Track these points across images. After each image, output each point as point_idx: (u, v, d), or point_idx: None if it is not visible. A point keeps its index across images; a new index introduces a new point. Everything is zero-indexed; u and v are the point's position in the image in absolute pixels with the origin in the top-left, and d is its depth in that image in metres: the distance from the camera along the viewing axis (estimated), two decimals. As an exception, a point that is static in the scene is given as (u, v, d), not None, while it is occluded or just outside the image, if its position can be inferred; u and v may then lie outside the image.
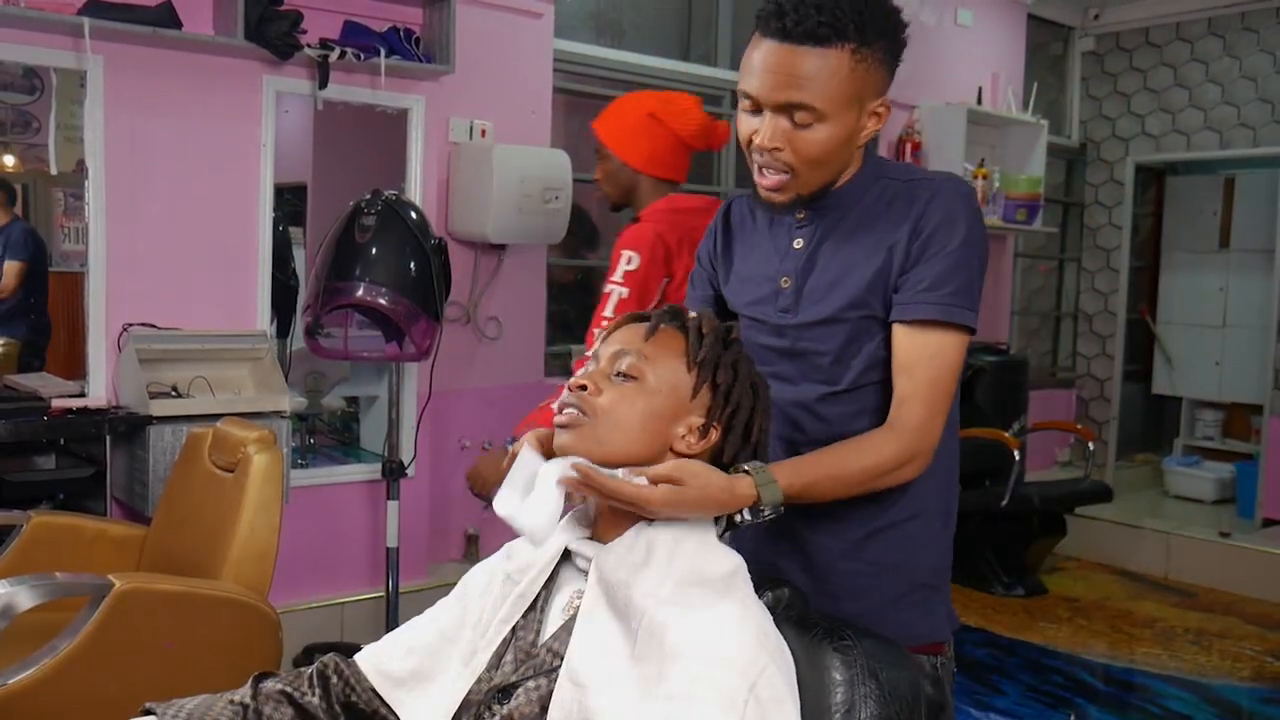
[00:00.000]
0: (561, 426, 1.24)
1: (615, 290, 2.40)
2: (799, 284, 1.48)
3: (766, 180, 1.43)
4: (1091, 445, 5.12)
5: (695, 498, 1.21)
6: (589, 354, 1.28)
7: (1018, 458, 4.41)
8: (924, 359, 1.39)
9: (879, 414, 1.44)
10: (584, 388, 1.24)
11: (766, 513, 1.28)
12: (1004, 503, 4.39)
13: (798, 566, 1.52)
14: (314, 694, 1.32)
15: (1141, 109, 6.01)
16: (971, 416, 4.89)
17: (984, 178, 5.12)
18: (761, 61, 1.37)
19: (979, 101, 5.30)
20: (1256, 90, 5.55)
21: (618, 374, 1.24)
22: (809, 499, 1.36)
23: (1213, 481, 5.78)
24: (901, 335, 1.41)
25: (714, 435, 1.25)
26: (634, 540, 1.21)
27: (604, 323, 2.37)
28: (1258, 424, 5.63)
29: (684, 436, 1.24)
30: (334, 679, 1.33)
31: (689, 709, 1.05)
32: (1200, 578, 4.95)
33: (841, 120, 1.37)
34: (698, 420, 1.25)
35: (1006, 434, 4.54)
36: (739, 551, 1.56)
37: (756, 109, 1.40)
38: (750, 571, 1.57)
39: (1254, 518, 5.31)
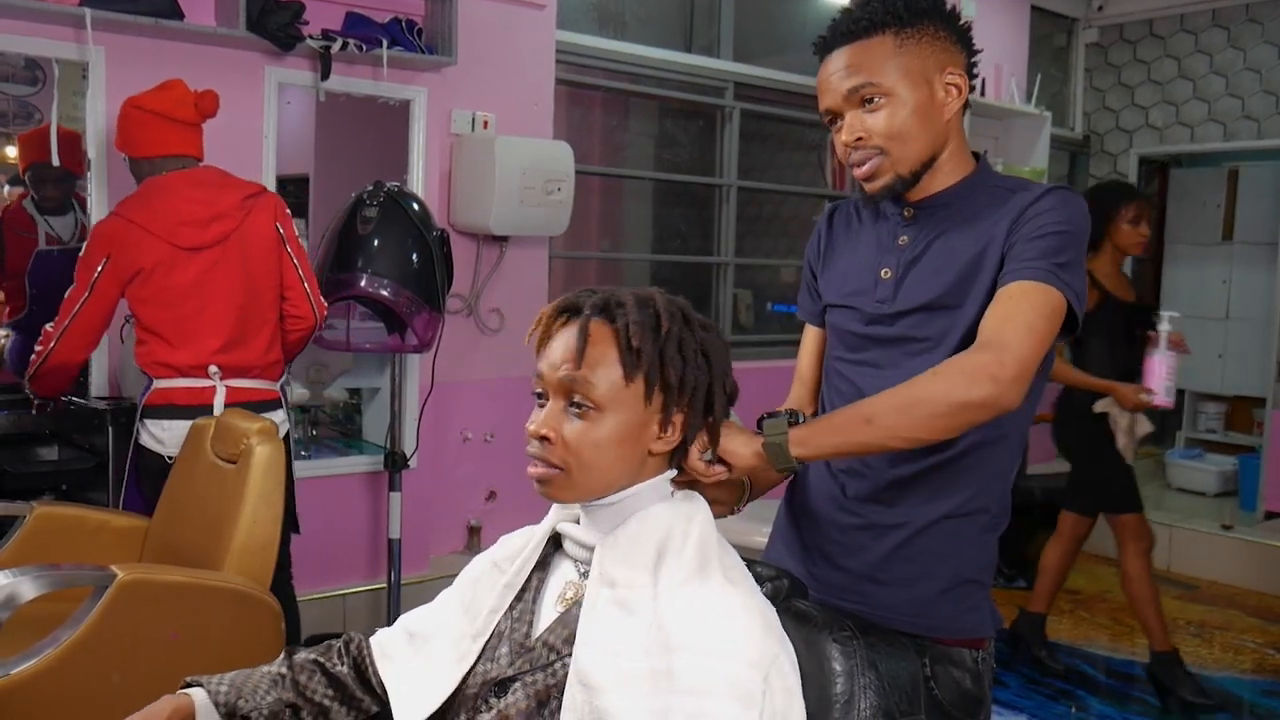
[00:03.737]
0: (539, 481, 1.20)
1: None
2: (900, 275, 1.51)
3: (858, 170, 1.48)
4: (1094, 438, 5.11)
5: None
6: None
7: (1020, 450, 4.40)
8: (1025, 305, 1.35)
9: None
10: (546, 438, 1.19)
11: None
12: (1006, 495, 4.39)
13: (845, 551, 1.53)
14: (343, 664, 1.35)
15: (1145, 101, 5.99)
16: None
17: (987, 170, 5.11)
18: (823, 75, 1.48)
19: (982, 93, 5.28)
20: (1261, 82, 5.53)
21: (574, 406, 1.18)
22: (851, 450, 1.37)
23: (1215, 474, 5.77)
24: (1001, 291, 1.39)
25: (678, 421, 1.22)
26: (639, 529, 1.19)
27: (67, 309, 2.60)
28: (1260, 417, 5.62)
29: (657, 438, 1.21)
30: (355, 651, 1.37)
31: (705, 704, 1.04)
32: (1202, 570, 4.95)
33: (909, 94, 1.43)
34: (661, 417, 1.21)
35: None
36: (789, 527, 1.62)
37: (836, 119, 1.48)
38: (795, 554, 1.61)
39: (1256, 511, 5.31)
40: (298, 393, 3.26)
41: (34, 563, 2.17)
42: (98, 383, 3.10)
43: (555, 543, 1.30)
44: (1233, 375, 5.92)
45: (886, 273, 1.52)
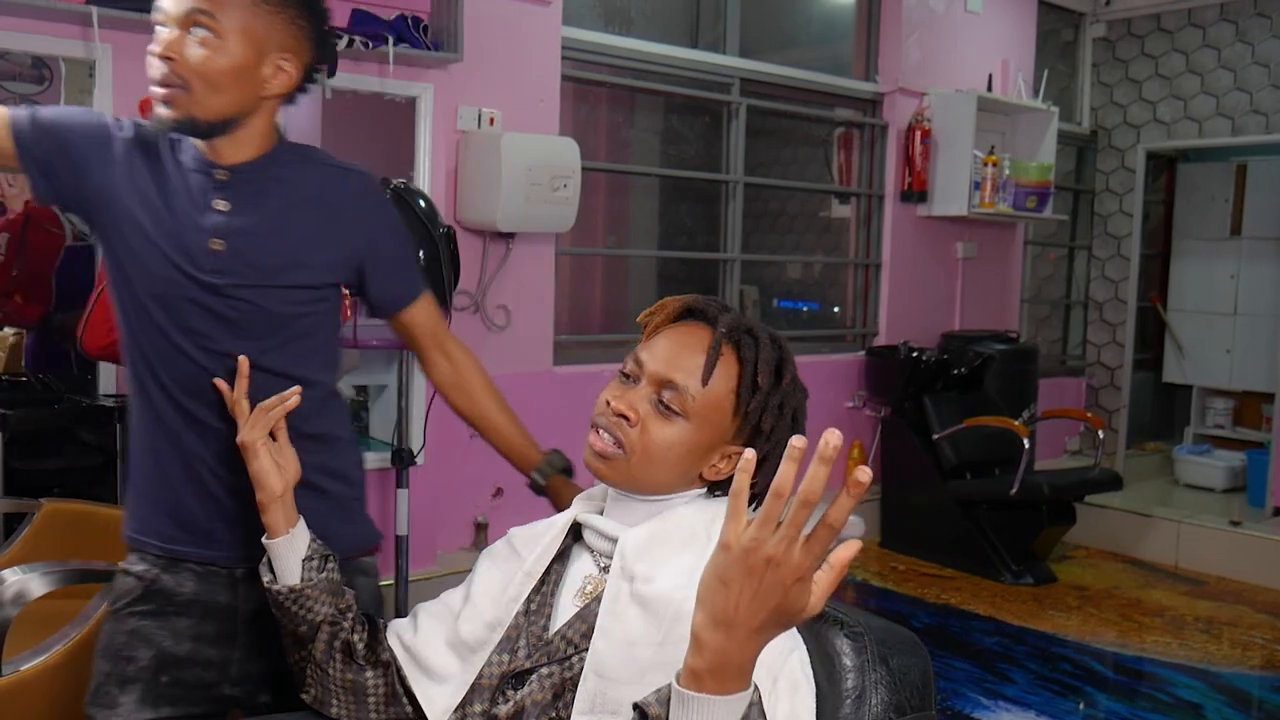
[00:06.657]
0: (598, 454, 1.21)
1: None
2: (235, 247, 1.50)
3: (157, 91, 1.45)
4: (1101, 434, 5.10)
5: None
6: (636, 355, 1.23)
7: (1027, 446, 4.40)
8: (439, 316, 1.77)
9: (307, 364, 1.59)
10: (625, 418, 1.19)
11: None
12: (1013, 491, 4.38)
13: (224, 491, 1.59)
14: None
15: (1153, 96, 5.97)
16: (981, 405, 4.89)
17: (994, 165, 5.10)
18: None
19: (989, 88, 5.27)
20: (1269, 76, 5.51)
21: (662, 404, 1.19)
22: None
23: (1223, 470, 5.76)
24: (420, 308, 1.72)
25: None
26: (663, 525, 1.20)
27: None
28: (1269, 412, 5.61)
29: (714, 465, 1.21)
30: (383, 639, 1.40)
31: None
32: (1210, 566, 4.94)
33: (237, 49, 1.44)
34: (731, 449, 1.21)
35: (1016, 422, 4.54)
36: None
37: (163, 26, 1.45)
38: None
39: (1264, 506, 5.30)
40: (305, 390, 3.26)
41: (43, 559, 2.18)
42: (105, 381, 3.11)
43: (575, 533, 1.30)
44: (1241, 370, 5.90)
45: (218, 244, 1.49)
